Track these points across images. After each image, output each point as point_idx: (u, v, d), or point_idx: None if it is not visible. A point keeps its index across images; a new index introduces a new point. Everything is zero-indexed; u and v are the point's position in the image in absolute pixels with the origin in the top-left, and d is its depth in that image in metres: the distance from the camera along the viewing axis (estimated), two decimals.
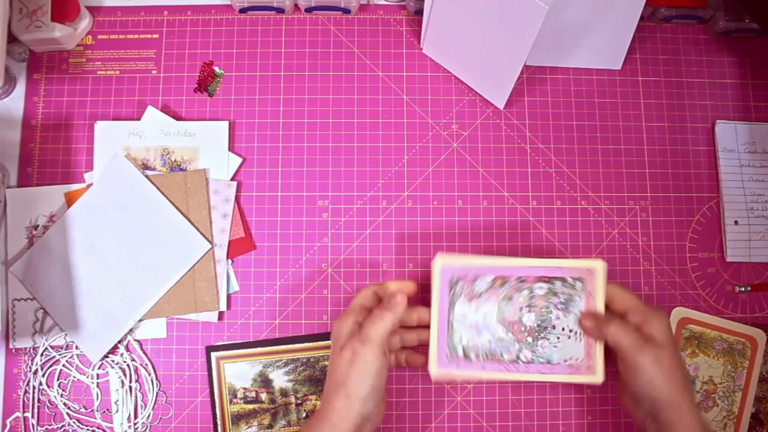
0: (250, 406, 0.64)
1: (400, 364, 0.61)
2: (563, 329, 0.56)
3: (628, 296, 0.55)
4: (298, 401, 0.64)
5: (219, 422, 0.63)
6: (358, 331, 0.54)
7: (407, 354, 0.60)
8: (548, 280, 0.57)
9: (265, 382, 0.64)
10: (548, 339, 0.56)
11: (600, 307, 0.55)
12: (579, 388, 0.65)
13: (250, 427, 0.64)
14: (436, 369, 0.56)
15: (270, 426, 0.64)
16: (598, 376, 0.55)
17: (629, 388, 0.53)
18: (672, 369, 0.51)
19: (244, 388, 0.64)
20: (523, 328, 0.57)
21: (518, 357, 0.57)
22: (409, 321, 0.58)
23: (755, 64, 0.72)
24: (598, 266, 0.56)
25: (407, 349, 0.60)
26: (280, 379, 0.64)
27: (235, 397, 0.64)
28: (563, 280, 0.56)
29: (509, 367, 0.56)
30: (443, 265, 0.57)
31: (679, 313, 0.67)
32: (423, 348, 0.58)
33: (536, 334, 0.57)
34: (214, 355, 0.64)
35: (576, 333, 0.56)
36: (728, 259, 0.68)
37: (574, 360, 0.56)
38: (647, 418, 0.53)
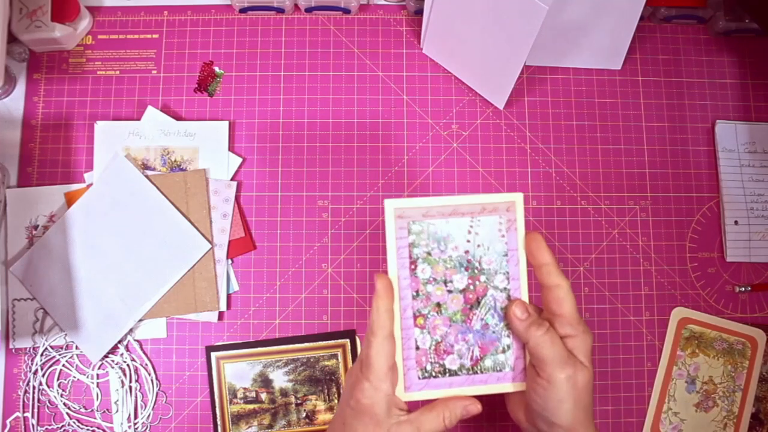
0: (250, 406, 0.64)
1: None
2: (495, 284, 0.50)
3: (568, 302, 0.47)
4: (298, 401, 0.64)
5: (219, 422, 0.63)
6: (405, 415, 0.47)
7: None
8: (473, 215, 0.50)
9: (265, 382, 0.64)
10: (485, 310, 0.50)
11: (522, 250, 0.49)
12: None
13: (250, 427, 0.64)
14: (403, 394, 0.48)
15: (270, 426, 0.64)
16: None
17: (532, 402, 0.47)
18: (583, 394, 0.46)
19: (244, 388, 0.64)
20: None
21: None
22: None
23: (755, 64, 0.72)
24: (517, 198, 0.49)
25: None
26: (280, 379, 0.64)
27: (235, 397, 0.64)
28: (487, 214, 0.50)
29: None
30: (396, 211, 0.49)
31: (679, 313, 0.67)
32: None
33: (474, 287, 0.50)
34: (214, 355, 0.64)
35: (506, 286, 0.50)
36: (728, 259, 0.68)
37: (502, 355, 0.50)
38: None
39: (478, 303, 0.50)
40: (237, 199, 0.67)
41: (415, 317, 0.49)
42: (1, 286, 0.65)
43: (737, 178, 0.69)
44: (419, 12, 0.69)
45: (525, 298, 0.49)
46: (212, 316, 0.65)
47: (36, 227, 0.65)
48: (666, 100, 0.70)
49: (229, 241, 0.66)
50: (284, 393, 0.64)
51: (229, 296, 0.66)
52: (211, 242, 0.65)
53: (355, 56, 0.70)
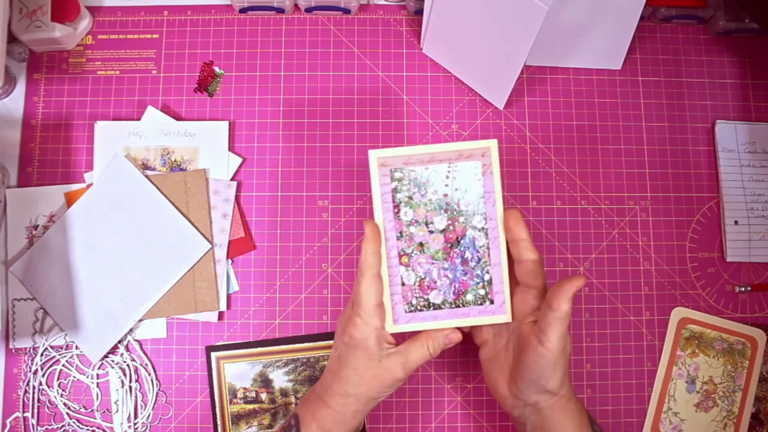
0: (250, 406, 0.64)
1: None
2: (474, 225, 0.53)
3: (541, 275, 0.51)
4: (298, 401, 0.64)
5: (219, 422, 0.63)
6: (393, 348, 0.52)
7: None
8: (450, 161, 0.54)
9: (265, 382, 0.64)
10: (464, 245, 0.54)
11: (498, 192, 0.53)
12: (579, 388, 0.65)
13: (250, 427, 0.64)
14: (392, 327, 0.53)
15: (270, 426, 0.64)
16: (508, 315, 0.53)
17: (530, 372, 0.50)
18: (567, 361, 0.50)
19: (244, 388, 0.64)
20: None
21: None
22: None
23: (755, 64, 0.72)
24: (492, 144, 0.52)
25: None
26: (280, 379, 0.64)
27: (235, 397, 0.64)
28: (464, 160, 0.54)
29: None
30: (380, 160, 0.53)
31: (679, 313, 0.67)
32: None
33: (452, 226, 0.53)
34: (214, 355, 0.64)
35: (483, 230, 0.53)
36: (728, 259, 0.68)
37: (481, 288, 0.53)
38: (527, 407, 0.52)
39: (458, 242, 0.54)
40: (237, 199, 0.67)
41: (400, 256, 0.54)
42: (1, 286, 0.65)
43: (737, 178, 0.69)
44: (419, 12, 0.69)
45: (502, 236, 0.53)
46: (212, 316, 0.65)
47: (36, 227, 0.65)
48: (666, 100, 0.70)
49: (229, 241, 0.66)
50: (284, 393, 0.64)
51: (229, 296, 0.66)
52: (211, 242, 0.65)
53: (355, 56, 0.70)
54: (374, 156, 0.53)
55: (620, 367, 0.66)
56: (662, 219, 0.68)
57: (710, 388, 0.65)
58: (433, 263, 0.54)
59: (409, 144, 0.68)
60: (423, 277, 0.54)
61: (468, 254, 0.54)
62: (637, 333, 0.66)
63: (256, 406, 0.64)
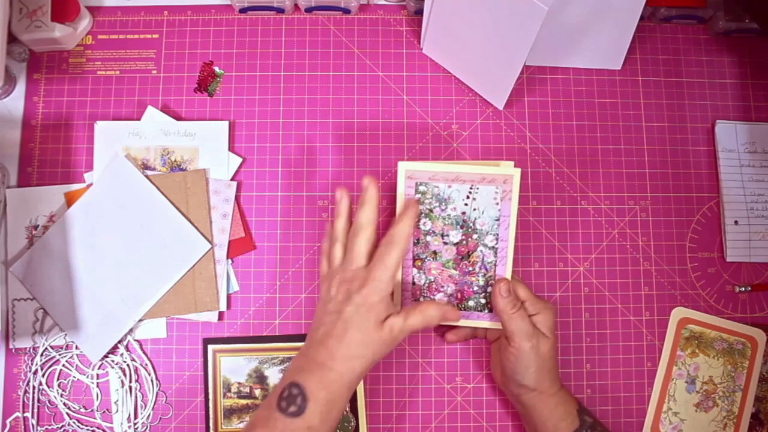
0: (244, 401, 0.64)
1: None
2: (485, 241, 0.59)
3: (522, 289, 0.57)
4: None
5: (211, 414, 0.63)
6: (395, 306, 0.54)
7: None
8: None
9: (259, 378, 0.64)
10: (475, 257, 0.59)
11: (513, 217, 0.58)
12: (579, 388, 0.65)
13: (242, 422, 0.63)
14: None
15: None
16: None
17: (505, 367, 0.57)
18: (547, 360, 0.56)
19: (239, 383, 0.64)
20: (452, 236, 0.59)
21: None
22: None
23: (755, 64, 0.72)
24: (515, 173, 0.57)
25: None
26: (275, 377, 0.64)
27: (229, 391, 0.64)
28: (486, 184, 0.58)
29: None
30: (407, 172, 0.58)
31: (679, 313, 0.67)
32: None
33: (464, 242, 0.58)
34: (211, 347, 0.64)
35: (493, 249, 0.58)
36: (728, 259, 0.68)
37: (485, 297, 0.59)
38: (513, 396, 0.59)
39: (468, 256, 0.59)
40: (237, 199, 0.67)
41: (414, 260, 0.59)
42: (1, 286, 0.65)
43: (737, 178, 0.69)
44: (419, 12, 0.69)
45: (510, 257, 0.58)
46: (212, 316, 0.65)
47: (36, 227, 0.66)
48: (666, 100, 0.70)
49: (229, 241, 0.66)
50: None
51: (229, 296, 0.66)
52: (211, 242, 0.65)
53: (355, 56, 0.70)
54: (403, 167, 0.57)
55: (620, 367, 0.66)
56: (662, 219, 0.68)
57: (710, 388, 0.65)
58: (442, 270, 0.59)
59: (409, 145, 0.68)
60: (432, 280, 0.59)
61: (475, 268, 0.59)
62: (637, 333, 0.66)
63: (249, 401, 0.64)
